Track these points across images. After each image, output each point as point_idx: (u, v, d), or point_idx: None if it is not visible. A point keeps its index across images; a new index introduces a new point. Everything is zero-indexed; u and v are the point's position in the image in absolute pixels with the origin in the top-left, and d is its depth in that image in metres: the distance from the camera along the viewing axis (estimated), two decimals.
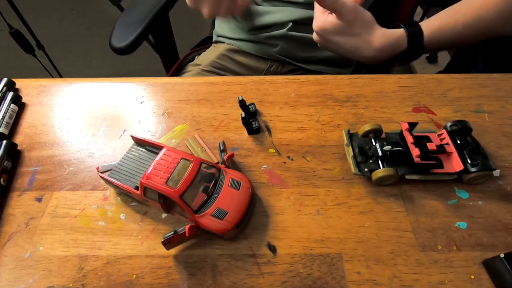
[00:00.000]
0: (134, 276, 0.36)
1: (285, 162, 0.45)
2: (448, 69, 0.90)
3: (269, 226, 0.39)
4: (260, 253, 0.38)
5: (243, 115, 0.46)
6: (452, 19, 0.51)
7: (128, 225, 0.40)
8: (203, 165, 0.39)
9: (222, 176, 0.40)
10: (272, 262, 0.37)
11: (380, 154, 0.41)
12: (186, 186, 0.37)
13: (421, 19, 1.74)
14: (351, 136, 0.45)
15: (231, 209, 0.37)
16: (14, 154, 0.46)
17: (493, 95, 0.50)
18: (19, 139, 0.48)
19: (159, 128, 0.49)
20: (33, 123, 0.50)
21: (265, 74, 0.74)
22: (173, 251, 0.38)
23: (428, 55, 1.67)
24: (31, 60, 1.15)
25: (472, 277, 0.35)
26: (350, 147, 0.43)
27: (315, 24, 0.55)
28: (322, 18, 0.53)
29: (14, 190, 0.43)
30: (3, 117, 0.48)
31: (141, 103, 0.52)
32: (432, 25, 0.52)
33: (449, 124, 0.43)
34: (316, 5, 0.54)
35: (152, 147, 0.44)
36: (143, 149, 0.44)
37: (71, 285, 0.36)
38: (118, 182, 0.40)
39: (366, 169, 0.41)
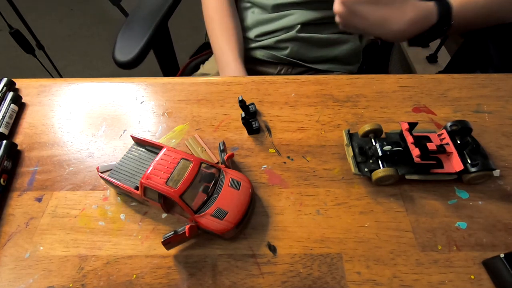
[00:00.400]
0: (134, 276, 0.36)
1: (285, 162, 0.45)
2: (448, 69, 0.89)
3: (269, 226, 0.39)
4: (260, 253, 0.38)
5: (243, 115, 0.46)
6: None
7: (128, 225, 0.40)
8: (203, 165, 0.39)
9: (222, 176, 0.40)
10: (272, 262, 0.37)
11: (380, 154, 0.41)
12: (186, 186, 0.37)
13: None
14: (351, 136, 0.45)
15: (231, 209, 0.37)
16: (14, 154, 0.46)
17: (493, 95, 0.50)
18: (19, 139, 0.48)
19: (159, 128, 0.49)
20: (33, 123, 0.50)
21: None
22: (173, 251, 0.38)
23: (428, 55, 1.67)
24: (31, 60, 1.15)
25: (472, 277, 0.35)
26: (350, 147, 0.43)
27: None
28: None
29: (14, 190, 0.43)
30: (3, 117, 0.48)
31: (141, 103, 0.52)
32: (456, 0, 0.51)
33: (449, 124, 0.43)
34: None
35: (152, 147, 0.44)
36: (143, 149, 0.44)
37: (71, 285, 0.36)
38: (118, 182, 0.40)
39: (366, 169, 0.41)
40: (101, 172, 0.42)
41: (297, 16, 0.67)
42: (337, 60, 0.73)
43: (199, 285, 0.36)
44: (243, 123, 0.47)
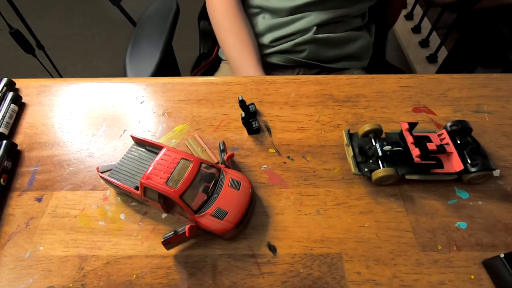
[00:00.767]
0: (134, 276, 0.36)
1: (285, 162, 0.45)
2: (445, 64, 0.89)
3: (269, 226, 0.39)
4: (260, 253, 0.37)
5: (243, 115, 0.46)
6: None
7: (128, 225, 0.40)
8: (203, 165, 0.39)
9: (222, 176, 0.40)
10: (272, 262, 0.37)
11: (380, 154, 0.41)
12: (186, 186, 0.37)
13: (421, 19, 1.75)
14: (351, 136, 0.45)
15: (231, 209, 0.37)
16: (14, 154, 0.46)
17: (493, 95, 0.50)
18: (19, 139, 0.48)
19: (159, 128, 0.49)
20: (33, 123, 0.50)
21: None
22: (173, 251, 0.38)
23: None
24: (31, 60, 1.15)
25: (472, 277, 0.35)
26: (350, 147, 0.43)
27: None
28: None
29: (14, 190, 0.43)
30: (3, 117, 0.48)
31: (141, 103, 0.52)
32: None
33: (449, 124, 0.43)
34: None
35: (152, 147, 0.44)
36: (143, 149, 0.44)
37: (71, 285, 0.36)
38: (118, 182, 0.40)
39: (366, 169, 0.41)
40: (101, 172, 0.42)
41: (312, 18, 0.66)
42: (351, 57, 0.73)
43: (199, 285, 0.36)
44: (243, 123, 0.47)
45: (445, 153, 0.41)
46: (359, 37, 0.72)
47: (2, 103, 0.49)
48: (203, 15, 0.90)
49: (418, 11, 1.81)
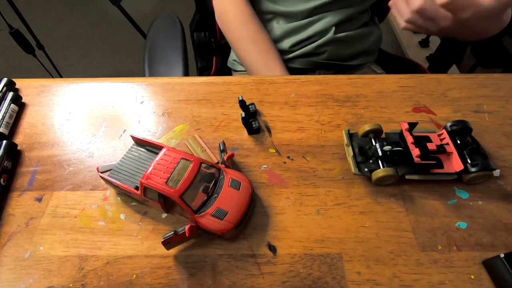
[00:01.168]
0: (134, 276, 0.36)
1: (285, 162, 0.45)
2: (437, 52, 0.90)
3: (269, 226, 0.39)
4: (260, 253, 0.38)
5: (243, 115, 0.46)
6: None
7: (128, 225, 0.40)
8: (203, 165, 0.39)
9: (222, 176, 0.40)
10: (272, 262, 0.37)
11: (380, 154, 0.41)
12: (186, 186, 0.37)
13: None
14: (351, 136, 0.45)
15: (231, 209, 0.37)
16: (14, 154, 0.46)
17: (493, 95, 0.50)
18: (19, 139, 0.48)
19: (159, 128, 0.49)
20: (33, 123, 0.50)
21: None
22: (173, 251, 0.38)
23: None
24: (31, 60, 1.15)
25: (472, 277, 0.35)
26: (350, 147, 0.43)
27: None
28: None
29: (14, 190, 0.43)
30: (3, 117, 0.48)
31: (141, 103, 0.52)
32: None
33: (449, 124, 0.43)
34: None
35: (152, 147, 0.44)
36: (143, 149, 0.44)
37: (71, 285, 0.36)
38: (118, 182, 0.40)
39: (366, 169, 0.41)
40: (101, 172, 0.42)
41: (330, 19, 0.66)
42: (366, 52, 0.74)
43: (199, 285, 0.36)
44: (243, 123, 0.47)
45: (445, 153, 0.41)
46: (372, 32, 0.72)
47: (2, 103, 0.49)
48: (197, 27, 0.88)
49: None
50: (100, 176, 0.41)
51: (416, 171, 0.40)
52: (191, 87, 0.53)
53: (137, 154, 0.44)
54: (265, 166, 0.44)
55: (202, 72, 0.87)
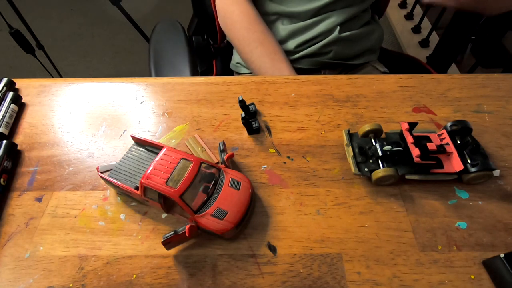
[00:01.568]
0: (134, 276, 0.36)
1: (285, 162, 0.45)
2: (437, 50, 0.90)
3: (269, 226, 0.39)
4: (260, 253, 0.38)
5: (243, 115, 0.46)
6: None
7: (128, 225, 0.40)
8: (203, 165, 0.39)
9: (222, 176, 0.40)
10: (272, 262, 0.37)
11: (380, 154, 0.41)
12: (186, 186, 0.37)
13: (421, 19, 1.74)
14: (351, 136, 0.45)
15: (231, 209, 0.37)
16: (14, 154, 0.46)
17: (493, 95, 0.50)
18: (19, 139, 0.48)
19: (159, 128, 0.49)
20: (33, 123, 0.50)
21: None
22: (173, 251, 0.38)
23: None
24: (31, 60, 1.15)
25: (472, 277, 0.35)
26: (350, 147, 0.43)
27: None
28: None
29: (14, 190, 0.43)
30: (3, 117, 0.48)
31: (141, 103, 0.52)
32: None
33: (449, 124, 0.43)
34: None
35: (152, 147, 0.44)
36: (143, 149, 0.44)
37: (71, 285, 0.36)
38: (118, 182, 0.40)
39: (366, 169, 0.41)
40: (101, 172, 0.42)
41: (334, 18, 0.66)
42: (370, 50, 0.74)
43: (199, 285, 0.36)
44: (243, 123, 0.47)
45: (445, 153, 0.41)
46: (375, 30, 0.73)
47: (2, 103, 0.49)
48: (196, 30, 0.88)
49: (418, 11, 1.81)
50: (100, 176, 0.41)
51: (416, 171, 0.40)
52: (191, 87, 0.53)
53: (137, 154, 0.44)
54: (265, 166, 0.44)
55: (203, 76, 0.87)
